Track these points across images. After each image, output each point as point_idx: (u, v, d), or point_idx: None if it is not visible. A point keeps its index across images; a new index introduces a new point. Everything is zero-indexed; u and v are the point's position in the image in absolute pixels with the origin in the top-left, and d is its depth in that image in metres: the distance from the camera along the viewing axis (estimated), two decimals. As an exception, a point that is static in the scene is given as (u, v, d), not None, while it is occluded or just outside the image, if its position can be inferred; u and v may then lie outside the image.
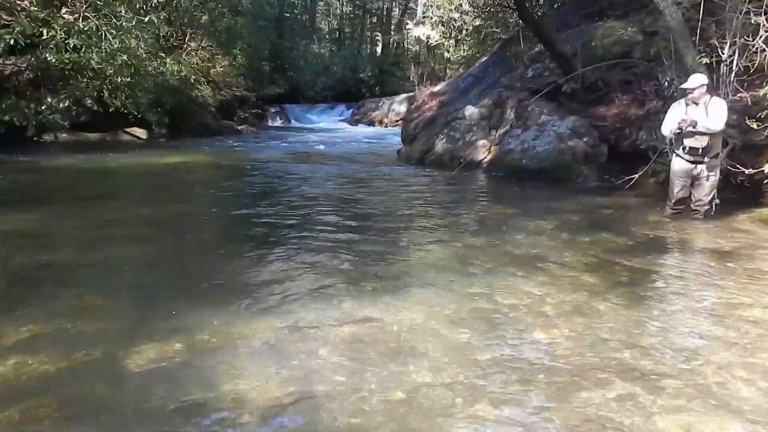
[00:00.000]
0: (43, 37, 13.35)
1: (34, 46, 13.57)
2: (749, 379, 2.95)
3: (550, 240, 5.85)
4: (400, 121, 22.64)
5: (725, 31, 7.51)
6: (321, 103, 31.93)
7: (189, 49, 21.04)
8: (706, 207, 6.61)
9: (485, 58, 16.80)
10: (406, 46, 40.15)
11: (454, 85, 15.80)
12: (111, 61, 14.16)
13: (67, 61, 13.73)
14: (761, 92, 6.75)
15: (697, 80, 6.38)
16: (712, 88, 6.99)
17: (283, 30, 32.51)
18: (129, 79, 14.85)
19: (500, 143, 11.07)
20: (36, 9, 13.83)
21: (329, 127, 26.79)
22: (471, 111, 11.91)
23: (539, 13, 16.75)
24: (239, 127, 22.11)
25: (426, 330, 3.54)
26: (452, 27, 20.96)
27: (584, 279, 4.58)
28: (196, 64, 20.68)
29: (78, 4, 14.43)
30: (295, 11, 36.80)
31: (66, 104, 14.30)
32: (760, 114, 6.89)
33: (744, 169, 6.79)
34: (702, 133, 6.34)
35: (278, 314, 3.73)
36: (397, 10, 40.41)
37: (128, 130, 16.91)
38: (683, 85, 6.55)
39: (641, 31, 10.58)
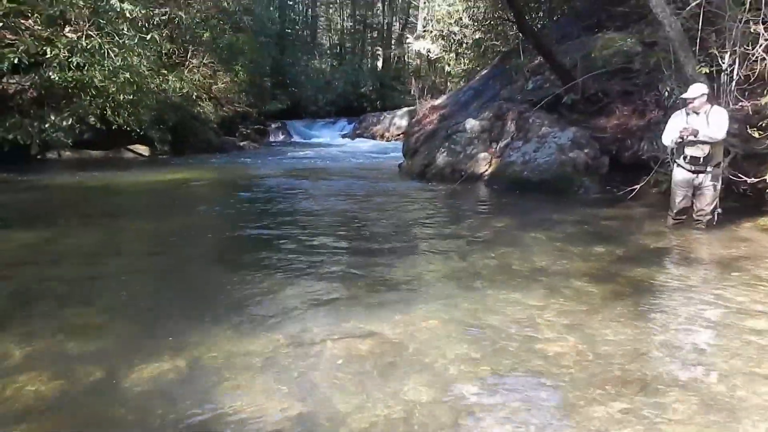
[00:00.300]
0: (47, 56, 13.45)
1: (37, 65, 13.67)
2: (754, 391, 2.93)
3: (552, 252, 5.83)
4: (401, 135, 22.68)
5: (725, 40, 7.52)
6: (323, 118, 32.04)
7: (191, 65, 21.18)
8: (709, 217, 6.58)
9: (485, 71, 16.87)
10: (406, 60, 40.31)
11: (454, 99, 15.84)
12: (114, 78, 14.26)
13: (70, 79, 13.82)
14: (762, 101, 6.74)
15: (698, 90, 6.38)
16: (713, 98, 6.99)
17: (284, 46, 32.74)
18: (131, 97, 14.93)
19: (501, 155, 11.07)
20: (40, 28, 13.95)
21: (331, 141, 26.83)
22: (472, 124, 11.92)
23: (539, 26, 16.85)
24: (241, 143, 22.18)
25: (428, 345, 3.52)
26: (452, 40, 21.09)
27: (587, 291, 4.56)
28: (198, 80, 20.82)
29: (81, 22, 14.54)
30: (297, 27, 37.10)
31: (69, 122, 14.38)
32: (761, 123, 6.88)
33: (746, 178, 6.76)
34: (703, 142, 6.33)
35: (279, 330, 3.72)
36: (398, 24, 40.62)
37: (131, 147, 16.98)
38: (684, 95, 6.56)
39: (641, 41, 10.61)
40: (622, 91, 10.40)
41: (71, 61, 13.72)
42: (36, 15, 13.90)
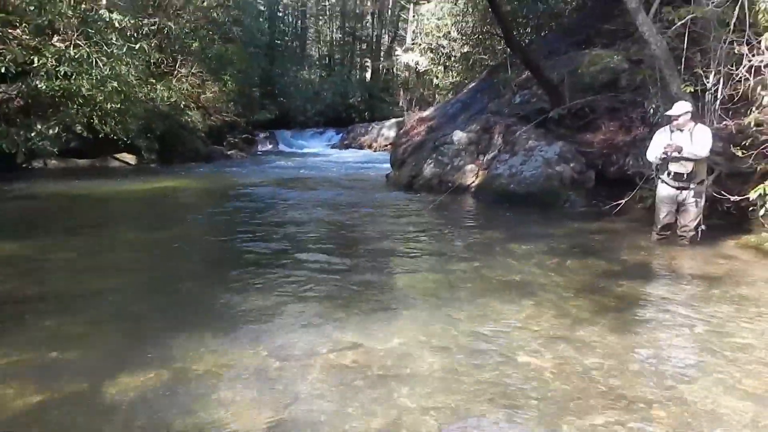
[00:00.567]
0: (34, 65, 13.39)
1: (25, 74, 13.60)
2: (736, 406, 2.97)
3: (537, 265, 5.87)
4: (389, 146, 22.73)
5: (709, 60, 7.63)
6: (311, 128, 32.09)
7: (179, 75, 21.14)
8: (692, 233, 6.67)
9: (473, 84, 16.99)
10: (395, 72, 40.50)
11: (442, 111, 15.93)
12: (101, 87, 14.20)
13: (57, 88, 13.76)
14: (745, 120, 6.84)
15: (682, 108, 6.48)
16: (698, 116, 7.10)
17: (273, 56, 32.78)
18: (119, 106, 14.87)
19: (488, 168, 11.14)
20: (28, 37, 13.88)
21: (319, 151, 26.85)
22: (459, 136, 12.00)
23: (527, 41, 17.03)
24: (229, 152, 22.14)
25: (412, 356, 3.54)
26: (441, 54, 21.25)
27: (572, 304, 4.60)
28: (187, 90, 20.77)
29: (69, 32, 14.50)
30: (286, 38, 37.17)
31: (56, 131, 14.29)
32: (744, 142, 6.98)
33: (730, 196, 6.86)
34: (687, 159, 6.43)
35: (264, 341, 3.73)
36: (387, 36, 40.80)
37: (118, 156, 16.90)
38: (668, 112, 6.65)
39: (627, 59, 10.74)
40: (609, 107, 10.51)
41: (59, 70, 13.66)
42: (24, 24, 13.83)
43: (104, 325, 4.10)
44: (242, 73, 24.46)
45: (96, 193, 11.43)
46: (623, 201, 7.96)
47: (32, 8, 13.49)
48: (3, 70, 12.86)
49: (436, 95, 27.45)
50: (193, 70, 21.82)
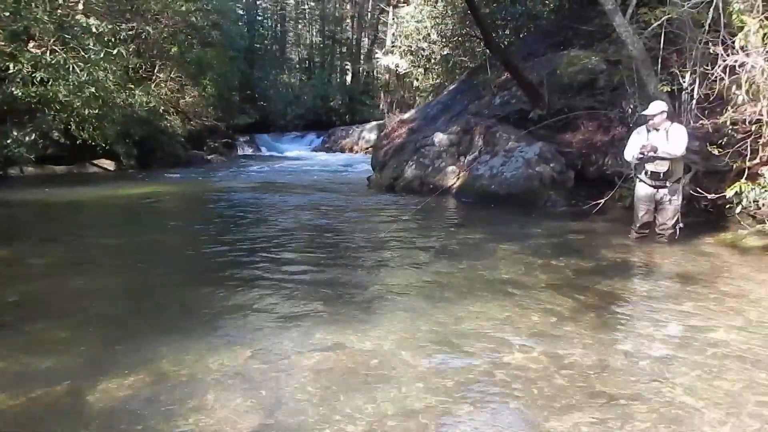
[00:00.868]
0: (10, 71, 13.23)
1: (0, 80, 13.43)
2: (714, 402, 3.00)
3: (518, 264, 5.90)
4: (370, 149, 22.77)
5: (686, 60, 7.73)
6: (291, 131, 32.05)
7: (158, 80, 20.99)
8: (671, 231, 6.74)
9: (453, 86, 17.04)
10: (375, 74, 40.51)
11: (423, 113, 15.97)
12: (79, 93, 14.07)
13: (33, 95, 13.61)
14: (721, 119, 6.93)
15: (657, 107, 6.56)
16: (675, 115, 7.18)
17: (253, 60, 32.68)
18: (97, 111, 14.75)
19: (469, 169, 11.19)
20: (3, 43, 13.71)
21: (300, 155, 26.82)
22: (440, 138, 12.04)
23: (505, 43, 17.11)
24: (209, 157, 22.05)
25: (395, 356, 3.54)
26: (421, 56, 21.28)
27: (553, 303, 4.62)
28: (166, 95, 20.65)
29: (46, 37, 14.34)
30: (265, 42, 37.04)
31: (32, 137, 14.15)
32: (720, 141, 7.07)
33: (707, 194, 6.94)
34: (663, 159, 6.50)
35: (247, 344, 3.72)
36: (367, 39, 40.80)
37: (96, 162, 16.75)
38: (644, 112, 6.74)
39: (605, 60, 10.84)
40: (588, 108, 10.60)
41: (35, 76, 13.52)
42: (-1, 30, 13.69)
43: (84, 330, 4.05)
44: (222, 78, 24.35)
45: (74, 199, 11.29)
46: (603, 200, 8.02)
47: (7, 14, 13.33)
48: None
49: (417, 97, 27.49)
50: (172, 75, 21.69)
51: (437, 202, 10.55)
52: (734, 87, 6.75)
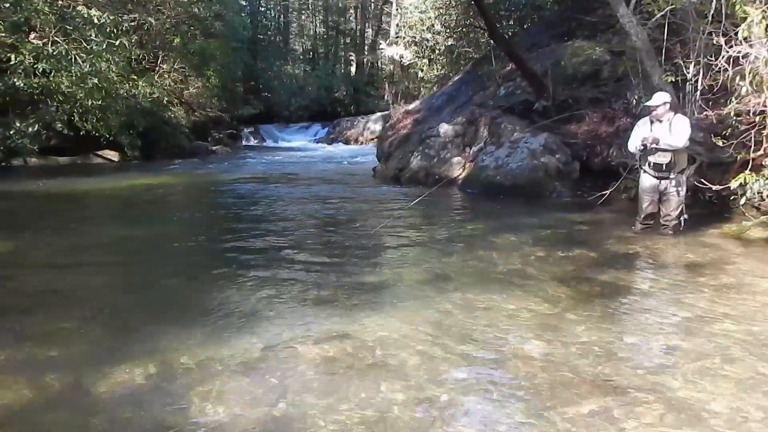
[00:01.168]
0: (11, 63, 13.23)
1: (1, 72, 13.44)
2: (720, 393, 3.01)
3: (524, 255, 5.91)
4: (375, 140, 22.73)
5: (689, 50, 7.68)
6: (296, 122, 31.97)
7: (161, 71, 20.96)
8: (675, 222, 6.72)
9: (458, 76, 16.98)
10: (379, 65, 40.37)
11: (428, 104, 15.93)
12: (81, 84, 14.07)
13: (36, 86, 13.62)
14: (725, 110, 6.90)
15: (660, 98, 6.53)
16: (679, 106, 7.14)
17: (256, 51, 32.62)
18: (100, 102, 14.75)
19: (474, 160, 11.18)
20: (4, 35, 13.70)
21: (305, 146, 26.80)
22: (445, 129, 12.02)
23: (510, 34, 17.01)
24: (213, 148, 22.05)
25: (402, 346, 3.55)
26: (425, 47, 21.16)
27: (558, 293, 4.63)
28: (169, 86, 20.63)
29: (47, 29, 14.33)
30: (269, 33, 36.97)
31: (35, 128, 14.16)
32: (725, 132, 7.04)
33: (711, 186, 6.92)
34: (666, 150, 6.48)
35: (253, 334, 3.73)
36: (371, 30, 40.68)
37: (100, 153, 16.77)
38: (647, 103, 6.72)
39: (609, 50, 10.80)
40: (592, 98, 10.56)
41: (37, 67, 13.52)
42: (0, 21, 13.66)
43: (91, 320, 4.07)
44: (225, 69, 24.29)
45: (78, 190, 11.32)
46: (608, 192, 8.00)
47: (7, 5, 13.31)
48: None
49: (421, 88, 27.36)
50: (175, 66, 21.66)
51: (443, 193, 10.53)
52: (738, 78, 6.71)
